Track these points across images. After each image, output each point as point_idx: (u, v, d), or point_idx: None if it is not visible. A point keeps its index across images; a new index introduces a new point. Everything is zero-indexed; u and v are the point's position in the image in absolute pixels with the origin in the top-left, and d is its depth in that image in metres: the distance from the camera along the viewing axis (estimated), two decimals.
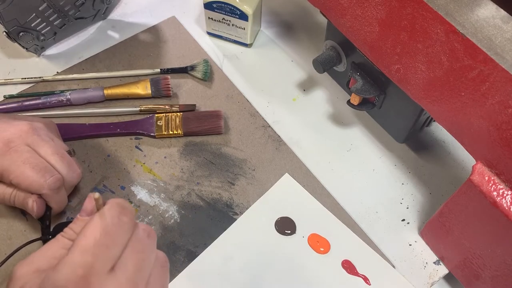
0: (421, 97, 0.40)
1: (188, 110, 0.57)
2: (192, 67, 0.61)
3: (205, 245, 0.48)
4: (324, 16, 0.49)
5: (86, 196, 0.50)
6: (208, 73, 0.60)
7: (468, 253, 0.42)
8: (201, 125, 0.55)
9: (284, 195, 0.52)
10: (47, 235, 0.45)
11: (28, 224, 0.48)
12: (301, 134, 0.57)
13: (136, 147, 0.55)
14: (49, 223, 0.46)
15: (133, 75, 0.60)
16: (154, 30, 0.65)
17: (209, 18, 0.62)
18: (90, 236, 0.30)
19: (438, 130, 0.57)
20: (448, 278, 0.48)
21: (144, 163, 0.53)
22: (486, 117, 0.35)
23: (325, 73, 0.59)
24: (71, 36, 0.64)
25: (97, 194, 0.33)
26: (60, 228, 0.46)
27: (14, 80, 0.59)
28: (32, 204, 0.44)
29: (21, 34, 0.56)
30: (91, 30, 0.65)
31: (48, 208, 0.46)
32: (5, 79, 0.59)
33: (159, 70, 0.60)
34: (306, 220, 0.50)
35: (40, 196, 0.44)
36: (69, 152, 0.48)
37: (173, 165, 0.53)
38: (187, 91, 0.60)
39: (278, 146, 0.55)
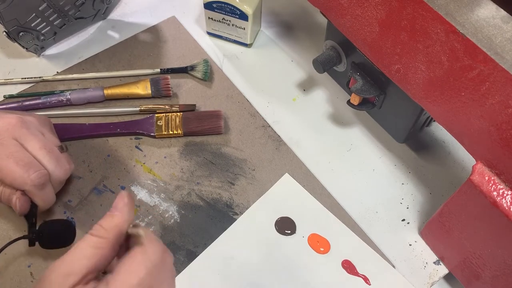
0: (421, 97, 0.40)
1: (188, 110, 0.57)
2: (192, 67, 0.60)
3: (205, 245, 0.48)
4: (324, 16, 0.49)
5: (86, 196, 0.50)
6: (208, 73, 0.60)
7: (468, 253, 0.42)
8: (201, 125, 0.55)
9: (284, 195, 0.52)
10: (32, 233, 0.43)
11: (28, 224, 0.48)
12: (301, 134, 0.57)
13: (136, 147, 0.55)
14: (35, 221, 0.44)
15: (133, 75, 0.60)
16: (154, 30, 0.65)
17: (209, 18, 0.62)
18: (134, 273, 0.30)
19: (438, 130, 0.57)
20: (448, 278, 0.48)
21: (144, 163, 0.53)
22: (486, 117, 0.35)
23: (325, 73, 0.59)
24: (71, 36, 0.64)
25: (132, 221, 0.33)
26: (46, 226, 0.44)
27: (14, 80, 0.59)
28: (15, 201, 0.43)
29: (21, 34, 0.56)
30: (91, 30, 0.65)
31: (33, 205, 0.44)
32: (5, 79, 0.59)
33: (159, 70, 0.60)
34: (306, 220, 0.50)
35: (24, 192, 0.43)
36: (61, 148, 0.46)
37: (173, 165, 0.53)
38: (187, 91, 0.60)
39: (278, 146, 0.55)
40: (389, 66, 0.42)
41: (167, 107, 0.57)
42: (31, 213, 0.44)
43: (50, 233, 0.44)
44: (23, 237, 0.43)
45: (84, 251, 0.31)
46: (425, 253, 0.49)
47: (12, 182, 0.42)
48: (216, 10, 0.60)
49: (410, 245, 0.50)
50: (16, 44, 0.57)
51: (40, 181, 0.42)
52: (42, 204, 0.45)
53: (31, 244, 0.43)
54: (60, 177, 0.45)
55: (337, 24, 0.47)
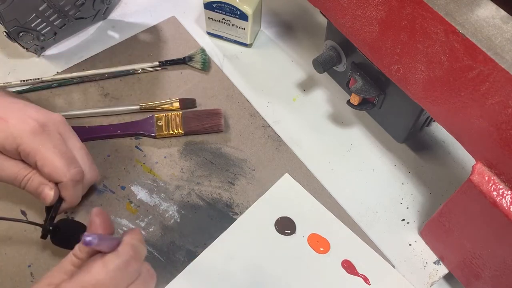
0: (421, 97, 0.40)
1: (189, 105, 0.57)
2: (190, 58, 0.60)
3: (205, 245, 0.48)
4: (324, 16, 0.49)
5: (86, 197, 0.50)
6: (207, 63, 0.60)
7: (468, 253, 0.42)
8: (202, 124, 0.55)
9: (284, 195, 0.52)
10: (49, 225, 0.44)
11: (28, 224, 0.48)
12: (301, 134, 0.57)
13: (136, 147, 0.55)
14: (55, 215, 0.45)
15: (132, 69, 0.60)
16: (154, 30, 0.65)
17: (209, 18, 0.62)
18: (94, 275, 0.33)
19: (438, 130, 0.57)
20: (448, 278, 0.48)
21: (144, 163, 0.53)
22: (486, 117, 0.35)
23: (325, 73, 0.59)
24: (71, 36, 0.64)
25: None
26: (64, 224, 0.45)
27: (13, 83, 0.58)
28: (49, 191, 0.44)
29: (21, 34, 0.56)
30: (91, 30, 0.65)
31: (59, 200, 0.45)
32: (3, 83, 0.58)
33: (157, 63, 0.60)
34: (306, 220, 0.50)
35: (56, 185, 0.44)
36: None
37: (173, 165, 0.53)
38: (187, 91, 0.59)
39: (278, 146, 0.55)
40: (389, 66, 0.42)
41: (167, 105, 0.57)
42: (54, 207, 0.45)
43: (65, 231, 0.44)
44: (39, 225, 0.44)
45: (65, 268, 0.35)
46: (425, 253, 0.49)
47: (51, 172, 0.43)
48: (216, 10, 0.60)
49: (410, 245, 0.50)
50: (16, 44, 0.57)
51: (77, 177, 0.44)
52: (69, 200, 0.45)
53: (44, 236, 0.44)
54: (91, 180, 0.48)
55: (337, 24, 0.47)
